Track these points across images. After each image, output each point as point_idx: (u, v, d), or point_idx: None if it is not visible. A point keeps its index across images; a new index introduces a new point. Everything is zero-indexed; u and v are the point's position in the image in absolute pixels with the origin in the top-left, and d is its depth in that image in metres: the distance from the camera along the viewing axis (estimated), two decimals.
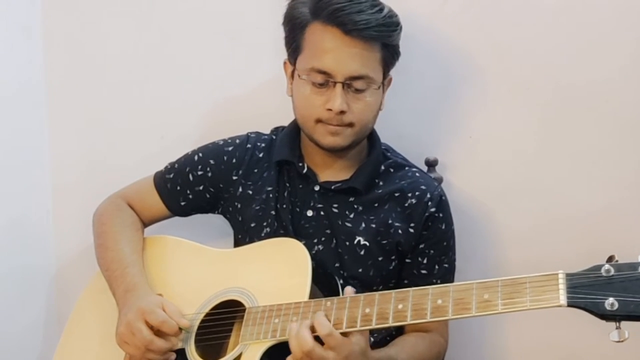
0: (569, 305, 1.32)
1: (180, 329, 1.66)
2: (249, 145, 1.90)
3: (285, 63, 1.82)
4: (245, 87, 2.13)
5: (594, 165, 2.00)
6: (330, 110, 1.70)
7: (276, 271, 1.68)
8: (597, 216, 2.00)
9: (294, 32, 1.75)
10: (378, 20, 1.68)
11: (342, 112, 1.70)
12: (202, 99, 2.15)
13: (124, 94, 2.18)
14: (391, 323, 1.47)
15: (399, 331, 1.80)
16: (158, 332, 1.64)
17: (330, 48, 1.69)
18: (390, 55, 1.76)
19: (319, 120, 1.73)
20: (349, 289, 1.57)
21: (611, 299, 1.28)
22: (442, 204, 1.82)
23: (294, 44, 1.76)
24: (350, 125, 1.73)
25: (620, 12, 1.93)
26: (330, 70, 1.69)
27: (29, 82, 2.15)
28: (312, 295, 1.59)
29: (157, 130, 2.17)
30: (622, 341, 1.29)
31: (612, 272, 1.30)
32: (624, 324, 1.29)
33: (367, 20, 1.67)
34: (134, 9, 2.15)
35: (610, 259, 1.33)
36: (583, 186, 2.01)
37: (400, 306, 1.47)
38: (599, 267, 1.32)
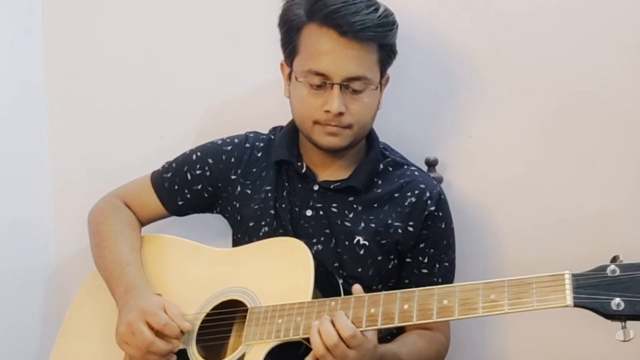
0: (575, 305, 1.32)
1: (182, 331, 1.65)
2: (247, 145, 1.90)
3: (282, 64, 1.82)
4: (245, 87, 2.13)
5: (595, 166, 2.00)
6: (328, 111, 1.70)
7: (278, 271, 1.67)
8: (597, 216, 2.00)
9: (290, 34, 1.75)
10: (374, 20, 1.68)
11: (340, 114, 1.70)
12: (202, 99, 2.15)
13: (124, 94, 2.17)
14: (397, 323, 1.48)
15: (400, 330, 1.80)
16: (159, 334, 1.63)
17: (326, 50, 1.69)
18: (387, 54, 1.76)
19: (316, 122, 1.73)
20: (358, 287, 1.56)
21: (617, 299, 1.29)
22: (441, 202, 1.82)
23: (290, 46, 1.76)
24: (349, 126, 1.73)
25: (621, 12, 1.94)
26: (327, 72, 1.69)
27: (29, 82, 2.14)
28: (313, 295, 1.58)
29: (157, 130, 2.17)
30: (627, 340, 1.30)
31: (618, 272, 1.31)
32: (629, 323, 1.30)
33: (363, 21, 1.66)
34: (133, 9, 2.14)
35: (614, 259, 1.33)
36: (583, 186, 2.01)
37: (405, 306, 1.47)
38: (604, 268, 1.32)
